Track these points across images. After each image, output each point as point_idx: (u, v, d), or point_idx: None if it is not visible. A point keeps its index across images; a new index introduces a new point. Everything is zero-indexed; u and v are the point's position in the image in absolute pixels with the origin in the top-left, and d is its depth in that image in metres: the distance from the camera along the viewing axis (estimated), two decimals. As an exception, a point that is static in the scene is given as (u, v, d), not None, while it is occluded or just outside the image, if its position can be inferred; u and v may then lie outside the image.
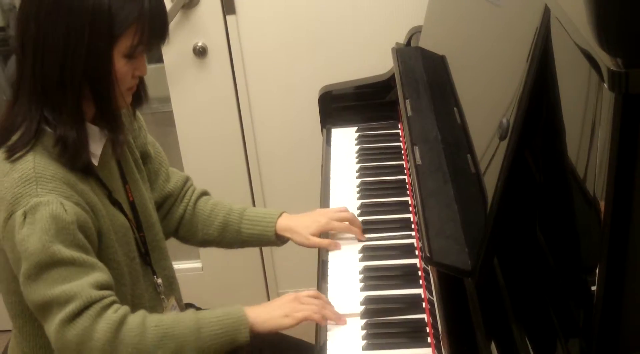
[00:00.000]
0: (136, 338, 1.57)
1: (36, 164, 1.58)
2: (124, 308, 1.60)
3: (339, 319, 1.70)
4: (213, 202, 2.04)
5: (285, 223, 1.97)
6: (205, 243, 2.05)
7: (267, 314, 1.68)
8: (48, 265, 1.54)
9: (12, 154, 1.60)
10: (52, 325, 1.56)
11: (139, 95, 1.78)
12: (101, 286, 1.58)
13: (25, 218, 1.54)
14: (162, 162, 2.00)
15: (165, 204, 2.00)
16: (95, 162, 1.68)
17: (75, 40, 1.56)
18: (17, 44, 1.62)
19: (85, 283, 1.55)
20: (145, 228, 1.84)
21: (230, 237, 2.01)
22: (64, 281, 1.54)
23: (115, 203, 1.73)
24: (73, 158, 1.61)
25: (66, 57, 1.57)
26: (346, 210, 2.01)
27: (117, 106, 1.65)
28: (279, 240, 1.99)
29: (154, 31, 1.62)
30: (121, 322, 1.57)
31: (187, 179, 2.06)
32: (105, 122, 1.66)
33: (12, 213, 1.56)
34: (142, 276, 1.80)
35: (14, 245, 1.56)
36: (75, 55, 1.56)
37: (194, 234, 2.03)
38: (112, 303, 1.59)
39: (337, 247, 1.94)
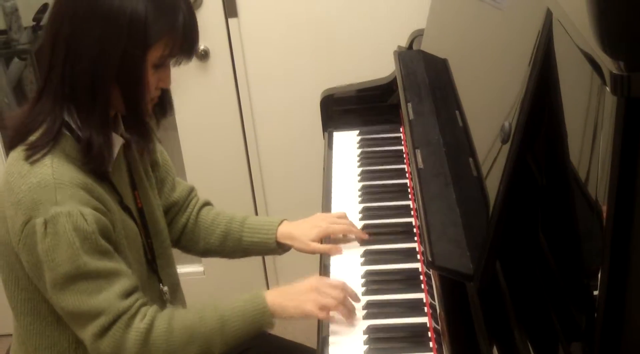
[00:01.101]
0: (164, 343, 1.64)
1: (54, 169, 1.57)
2: (151, 312, 1.65)
3: (352, 316, 1.71)
4: (215, 212, 2.04)
5: (286, 230, 1.97)
6: (207, 252, 2.06)
7: (285, 302, 1.71)
8: (75, 277, 1.57)
9: (31, 154, 1.59)
10: (86, 335, 1.63)
11: (164, 106, 1.80)
12: (127, 293, 1.63)
13: (46, 227, 1.55)
14: (168, 170, 2.00)
15: (170, 213, 2.01)
16: (109, 168, 1.68)
17: (110, 45, 1.55)
18: (47, 42, 1.61)
19: (112, 295, 1.60)
20: (152, 235, 1.85)
21: (232, 246, 2.01)
22: (92, 294, 1.59)
23: (126, 208, 1.73)
24: (95, 163, 1.62)
25: (99, 61, 1.56)
26: (345, 216, 2.01)
27: (146, 114, 1.67)
28: (280, 248, 1.99)
29: (185, 45, 1.63)
30: (148, 330, 1.63)
31: (192, 189, 2.06)
32: (136, 129, 1.67)
33: (31, 218, 1.56)
34: (147, 284, 1.80)
35: (36, 252, 1.57)
36: (109, 60, 1.56)
37: (196, 243, 2.03)
38: (139, 308, 1.64)
39: (338, 251, 1.94)
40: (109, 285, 1.60)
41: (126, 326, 1.61)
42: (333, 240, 1.98)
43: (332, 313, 1.71)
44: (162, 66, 1.63)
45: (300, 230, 1.96)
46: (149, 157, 1.77)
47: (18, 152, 1.61)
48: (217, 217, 2.02)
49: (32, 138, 1.61)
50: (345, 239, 1.98)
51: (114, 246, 1.64)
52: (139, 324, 1.62)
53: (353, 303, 1.73)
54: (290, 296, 1.72)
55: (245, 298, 1.72)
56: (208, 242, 2.02)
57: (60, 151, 1.60)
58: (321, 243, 1.96)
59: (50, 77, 1.61)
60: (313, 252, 1.96)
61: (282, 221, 1.99)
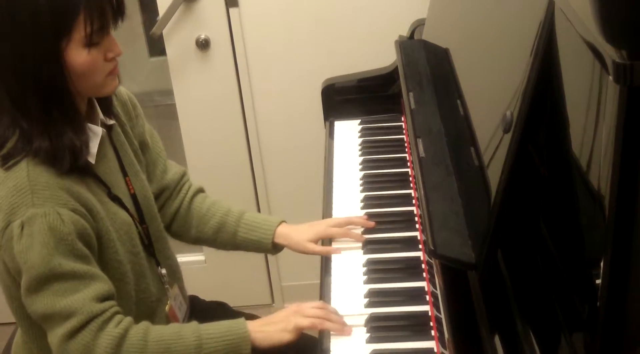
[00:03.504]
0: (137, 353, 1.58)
1: (30, 172, 1.55)
2: (126, 321, 1.60)
3: (343, 329, 1.67)
4: (211, 201, 2.01)
5: (283, 231, 1.95)
6: (198, 241, 2.03)
7: (269, 329, 1.67)
8: (48, 279, 1.54)
9: (6, 162, 1.57)
10: (54, 337, 1.57)
11: None
12: (102, 298, 1.58)
13: (22, 229, 1.52)
14: (159, 152, 1.97)
15: (162, 197, 1.98)
16: (92, 160, 1.65)
17: (21, 50, 1.51)
18: None
19: (86, 297, 1.55)
20: (147, 219, 1.82)
21: (225, 239, 1.99)
22: (64, 295, 1.54)
23: (115, 199, 1.70)
24: (61, 165, 1.57)
25: (17, 69, 1.53)
26: (344, 217, 1.98)
27: (77, 105, 1.61)
28: (275, 248, 1.97)
29: (103, 12, 1.54)
30: (122, 337, 1.57)
31: (184, 173, 2.04)
32: (73, 126, 1.59)
33: (10, 223, 1.54)
34: (147, 269, 1.79)
35: (13, 255, 1.55)
36: (25, 65, 1.52)
37: (187, 231, 2.01)
38: (114, 314, 1.59)
39: (336, 252, 1.91)
40: (83, 287, 1.56)
41: (98, 330, 1.56)
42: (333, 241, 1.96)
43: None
44: (95, 42, 1.55)
45: (298, 231, 1.94)
46: (136, 137, 1.71)
47: None
48: (212, 207, 1.99)
49: (4, 150, 1.58)
50: (348, 234, 1.96)
51: (94, 250, 1.61)
52: (113, 330, 1.57)
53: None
54: (272, 321, 1.69)
55: (226, 323, 1.67)
56: (201, 231, 1.99)
57: (34, 155, 1.57)
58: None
59: None
60: (310, 253, 1.94)
61: (280, 223, 1.96)
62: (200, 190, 2.05)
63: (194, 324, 1.67)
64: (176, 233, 2.03)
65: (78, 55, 1.54)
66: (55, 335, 1.57)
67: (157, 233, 1.86)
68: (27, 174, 1.55)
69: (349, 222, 1.96)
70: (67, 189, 1.57)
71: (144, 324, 1.63)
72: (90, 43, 1.54)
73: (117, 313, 1.60)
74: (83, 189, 1.61)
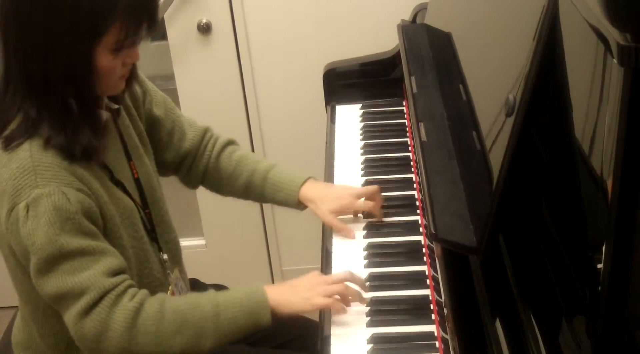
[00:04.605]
0: (153, 326, 1.56)
1: (33, 152, 1.54)
2: (141, 293, 1.59)
3: (362, 299, 1.66)
4: (238, 156, 1.99)
5: (309, 193, 1.91)
6: (234, 196, 2.02)
7: (290, 296, 1.64)
8: (57, 258, 1.52)
9: (9, 144, 1.56)
10: (69, 317, 1.56)
11: (129, 80, 1.72)
12: (114, 272, 1.56)
13: (28, 211, 1.51)
14: (174, 119, 1.95)
15: (185, 163, 1.96)
16: (98, 152, 1.63)
17: (55, 43, 1.51)
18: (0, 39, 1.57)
19: (97, 272, 1.54)
20: (150, 203, 1.81)
21: (255, 197, 1.98)
22: (75, 272, 1.53)
23: (118, 183, 1.69)
24: (71, 159, 1.57)
25: (47, 61, 1.52)
26: (377, 191, 1.93)
27: (99, 105, 1.63)
28: (300, 206, 1.95)
29: (140, 25, 1.56)
30: (138, 310, 1.56)
31: (206, 131, 2.01)
32: (89, 122, 1.60)
33: (15, 206, 1.53)
34: (151, 254, 1.78)
35: (20, 238, 1.54)
36: (56, 59, 1.52)
37: (220, 188, 2.01)
38: (127, 288, 1.57)
39: (349, 235, 1.88)
40: (93, 263, 1.54)
41: (112, 305, 1.54)
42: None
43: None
44: (122, 49, 1.56)
45: (323, 196, 1.90)
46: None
47: None
48: (240, 164, 1.96)
49: (7, 131, 1.58)
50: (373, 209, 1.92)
51: (100, 229, 1.59)
52: (127, 304, 1.55)
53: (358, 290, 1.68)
54: (294, 289, 1.66)
55: (244, 289, 1.65)
56: (231, 189, 1.99)
57: (39, 137, 1.56)
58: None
59: (10, 73, 1.58)
60: (328, 225, 1.91)
61: (307, 180, 1.93)
62: (229, 143, 2.02)
63: (211, 292, 1.66)
64: (211, 189, 2.03)
65: (103, 58, 1.55)
66: (69, 315, 1.55)
67: (159, 217, 1.85)
68: (30, 155, 1.54)
69: (372, 193, 1.91)
70: (71, 171, 1.56)
71: (160, 295, 1.62)
72: (118, 49, 1.55)
73: (130, 286, 1.58)
74: (87, 173, 1.60)
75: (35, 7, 1.50)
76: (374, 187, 1.93)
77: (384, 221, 1.93)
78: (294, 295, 1.64)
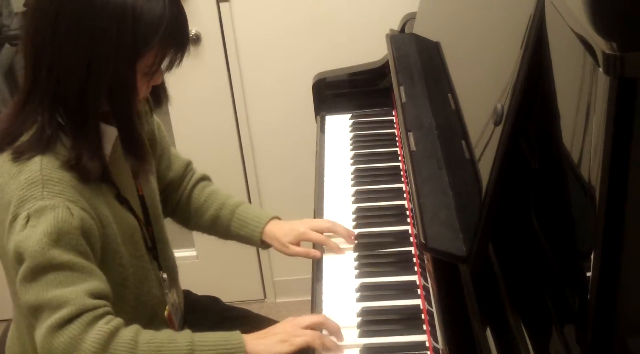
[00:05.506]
0: (125, 353, 1.51)
1: (43, 167, 1.53)
2: (117, 321, 1.54)
3: (338, 350, 1.62)
4: (209, 191, 2.01)
5: (271, 230, 1.93)
6: (199, 230, 2.04)
7: (267, 341, 1.61)
8: (45, 268, 1.49)
9: (19, 156, 1.55)
10: (40, 329, 1.50)
11: (158, 96, 1.75)
12: (97, 295, 1.53)
13: (28, 220, 1.50)
14: (164, 147, 1.96)
15: (164, 192, 1.97)
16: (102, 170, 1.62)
17: (99, 66, 1.51)
18: (27, 55, 1.56)
19: (80, 290, 1.50)
20: (152, 221, 1.82)
21: (220, 231, 1.99)
22: (59, 285, 1.50)
23: (124, 201, 1.69)
24: (87, 176, 1.57)
25: (88, 81, 1.52)
26: (330, 222, 1.94)
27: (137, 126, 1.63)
28: (264, 245, 1.96)
29: (175, 52, 1.59)
30: (112, 334, 1.50)
31: (188, 164, 2.03)
32: (130, 149, 1.61)
33: (17, 216, 1.52)
34: (150, 272, 1.77)
35: (14, 244, 1.51)
36: (99, 79, 1.52)
37: (187, 221, 2.02)
38: (106, 313, 1.53)
39: (316, 256, 1.89)
40: (79, 281, 1.51)
41: (88, 324, 1.49)
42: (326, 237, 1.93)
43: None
44: (155, 73, 1.58)
45: (281, 232, 1.93)
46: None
47: (6, 155, 1.57)
48: (209, 198, 1.99)
49: (18, 142, 1.57)
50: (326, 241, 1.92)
51: (96, 253, 1.58)
52: (103, 326, 1.50)
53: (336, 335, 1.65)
54: (269, 333, 1.63)
55: (221, 333, 1.62)
56: (198, 222, 2.00)
57: (52, 154, 1.56)
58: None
59: (35, 88, 1.56)
60: (291, 255, 1.92)
61: (271, 219, 1.94)
62: (202, 178, 2.04)
63: (187, 332, 1.62)
64: (179, 221, 2.04)
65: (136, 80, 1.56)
66: (41, 327, 1.49)
67: (160, 235, 1.86)
68: (40, 169, 1.53)
69: (331, 229, 1.92)
70: (79, 190, 1.55)
71: (135, 326, 1.58)
72: (151, 72, 1.57)
73: (109, 313, 1.54)
74: (94, 193, 1.59)
75: (79, 29, 1.50)
76: (326, 222, 1.95)
77: (374, 231, 1.93)
78: (271, 338, 1.62)
